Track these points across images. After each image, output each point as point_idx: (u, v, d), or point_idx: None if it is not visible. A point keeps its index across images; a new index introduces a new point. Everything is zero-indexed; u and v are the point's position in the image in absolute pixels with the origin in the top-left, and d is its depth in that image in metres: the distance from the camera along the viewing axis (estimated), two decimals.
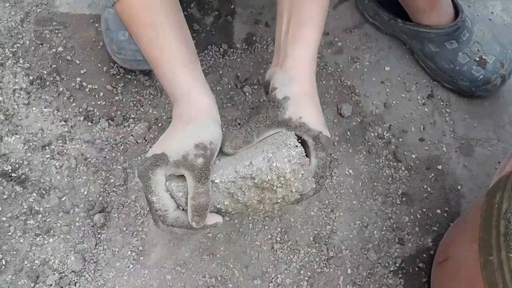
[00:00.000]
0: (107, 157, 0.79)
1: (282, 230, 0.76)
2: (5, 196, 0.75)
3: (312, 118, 0.58)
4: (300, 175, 0.55)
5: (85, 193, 0.76)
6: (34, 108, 0.82)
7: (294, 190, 0.56)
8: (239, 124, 0.83)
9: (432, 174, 0.83)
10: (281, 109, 0.57)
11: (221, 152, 0.58)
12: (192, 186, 0.54)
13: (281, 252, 0.75)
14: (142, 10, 0.56)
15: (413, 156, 0.84)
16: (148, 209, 0.73)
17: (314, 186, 0.58)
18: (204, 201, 0.54)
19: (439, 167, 0.83)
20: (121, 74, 0.85)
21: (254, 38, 0.92)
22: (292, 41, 0.60)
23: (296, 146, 0.55)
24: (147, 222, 0.75)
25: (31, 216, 0.74)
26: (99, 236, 0.74)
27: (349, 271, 0.75)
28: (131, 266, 0.73)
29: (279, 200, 0.57)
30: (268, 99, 0.59)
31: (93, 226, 0.74)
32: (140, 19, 0.57)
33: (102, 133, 0.81)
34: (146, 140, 0.81)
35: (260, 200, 0.56)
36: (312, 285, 0.74)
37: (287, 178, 0.54)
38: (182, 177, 0.56)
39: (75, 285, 0.71)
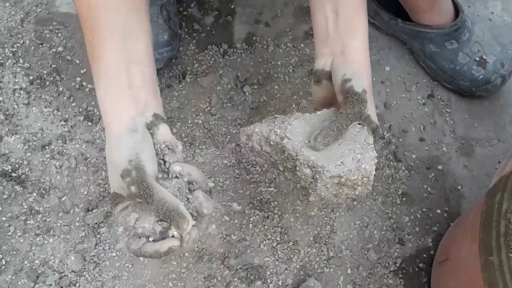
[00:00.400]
0: None
1: (282, 230, 0.76)
2: (5, 196, 0.75)
3: (372, 110, 0.57)
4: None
5: (85, 193, 0.76)
6: (34, 108, 0.82)
7: (369, 188, 0.56)
8: (239, 124, 0.83)
9: (432, 174, 0.83)
10: (364, 104, 0.55)
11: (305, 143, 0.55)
12: None
13: (281, 252, 0.75)
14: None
15: (413, 156, 0.84)
16: None
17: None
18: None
19: (439, 167, 0.83)
20: None
21: (254, 38, 0.92)
22: (347, 33, 0.59)
23: (372, 144, 0.56)
24: None
25: (31, 216, 0.74)
26: (99, 236, 0.74)
27: (349, 271, 0.75)
28: (131, 266, 0.73)
29: (354, 196, 0.57)
30: (344, 90, 0.56)
31: (93, 226, 0.74)
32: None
33: (102, 133, 0.81)
34: None
35: (336, 194, 0.56)
36: None
37: (370, 179, 0.54)
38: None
39: (75, 285, 0.71)
